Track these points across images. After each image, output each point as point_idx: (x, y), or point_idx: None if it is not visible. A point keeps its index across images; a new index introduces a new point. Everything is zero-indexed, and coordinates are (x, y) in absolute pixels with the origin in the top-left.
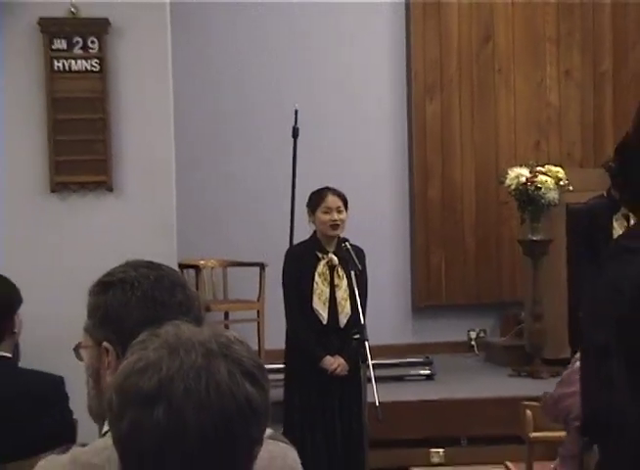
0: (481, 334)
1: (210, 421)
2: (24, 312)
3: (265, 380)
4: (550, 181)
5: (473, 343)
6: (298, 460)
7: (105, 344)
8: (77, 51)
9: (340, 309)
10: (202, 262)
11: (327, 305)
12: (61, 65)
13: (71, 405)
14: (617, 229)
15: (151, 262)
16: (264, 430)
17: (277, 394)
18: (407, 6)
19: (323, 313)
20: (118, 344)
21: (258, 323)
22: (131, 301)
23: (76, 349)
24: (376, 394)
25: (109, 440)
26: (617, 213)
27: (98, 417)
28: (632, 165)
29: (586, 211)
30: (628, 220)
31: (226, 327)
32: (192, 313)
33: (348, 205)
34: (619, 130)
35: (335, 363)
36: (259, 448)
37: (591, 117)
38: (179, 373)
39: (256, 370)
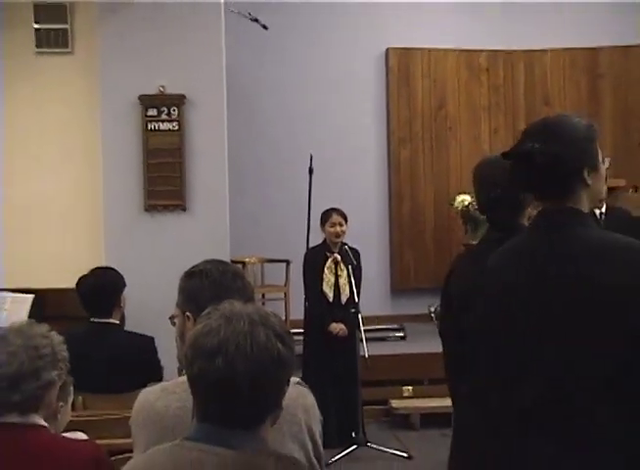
0: (438, 308)
1: (253, 368)
2: (128, 294)
3: (291, 341)
4: None
5: (432, 314)
6: (315, 402)
7: (187, 313)
8: (163, 117)
9: (341, 291)
10: (247, 259)
11: (332, 288)
12: (152, 126)
13: (159, 356)
14: None
15: (221, 260)
16: (291, 374)
17: (298, 349)
18: (387, 85)
19: (330, 294)
20: (197, 314)
21: (285, 301)
22: (205, 285)
23: (171, 318)
24: (365, 349)
25: (185, 378)
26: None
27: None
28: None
29: None
30: None
31: (263, 304)
32: (246, 295)
33: (348, 219)
34: None
35: (338, 328)
36: (287, 387)
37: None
38: (232, 336)
39: (285, 334)
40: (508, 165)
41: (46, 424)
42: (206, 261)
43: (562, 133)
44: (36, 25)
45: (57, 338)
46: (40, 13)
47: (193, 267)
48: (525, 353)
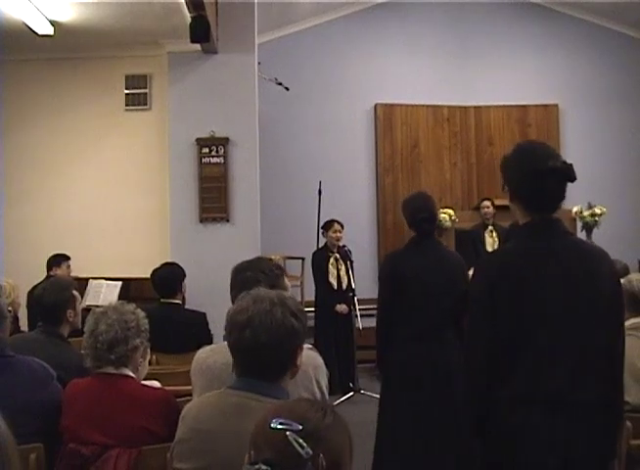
0: None
1: (271, 338)
2: (187, 282)
3: (304, 316)
4: (446, 217)
5: None
6: (322, 361)
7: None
8: (213, 153)
9: (342, 280)
10: (273, 256)
11: (335, 278)
12: (205, 160)
13: (210, 326)
14: (488, 239)
15: (259, 257)
16: (303, 341)
17: (311, 322)
18: (375, 130)
19: (334, 283)
20: (236, 297)
21: (301, 288)
22: (242, 276)
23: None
24: (360, 322)
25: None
26: (486, 229)
27: None
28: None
29: (470, 231)
30: (493, 235)
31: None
32: (278, 282)
33: (344, 227)
34: (481, 193)
35: (341, 308)
36: (301, 350)
37: (466, 186)
38: (257, 314)
39: (299, 312)
40: (424, 198)
41: (133, 375)
42: (250, 261)
43: None
44: (126, 91)
45: (141, 314)
46: (129, 81)
47: (238, 264)
48: (553, 341)
